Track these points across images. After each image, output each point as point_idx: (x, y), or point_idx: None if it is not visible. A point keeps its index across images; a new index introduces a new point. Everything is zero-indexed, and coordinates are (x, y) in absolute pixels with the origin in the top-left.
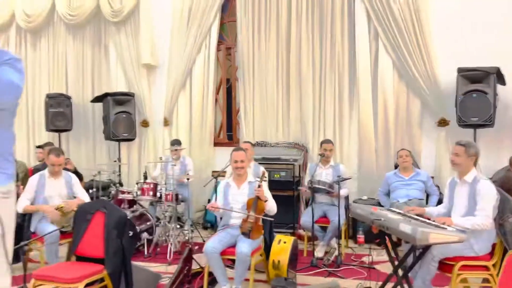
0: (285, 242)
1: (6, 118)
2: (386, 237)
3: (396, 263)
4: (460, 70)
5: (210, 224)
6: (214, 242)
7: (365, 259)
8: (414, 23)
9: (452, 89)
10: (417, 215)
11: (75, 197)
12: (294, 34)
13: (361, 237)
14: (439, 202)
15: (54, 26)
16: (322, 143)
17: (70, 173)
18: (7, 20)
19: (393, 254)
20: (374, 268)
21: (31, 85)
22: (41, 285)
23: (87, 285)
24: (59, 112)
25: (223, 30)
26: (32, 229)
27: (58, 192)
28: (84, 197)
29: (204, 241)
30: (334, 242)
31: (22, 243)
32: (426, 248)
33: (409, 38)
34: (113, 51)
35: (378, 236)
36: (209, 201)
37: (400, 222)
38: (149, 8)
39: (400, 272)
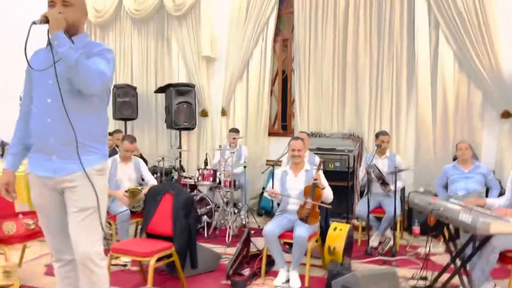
0: (340, 230)
1: (98, 103)
2: (444, 228)
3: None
4: None
5: (265, 210)
6: (272, 226)
7: (420, 250)
8: (478, 13)
9: None
10: (477, 206)
11: (143, 180)
12: (352, 24)
13: (416, 228)
14: (500, 196)
15: (121, 21)
16: (378, 134)
17: (138, 158)
18: None
19: (452, 247)
20: (429, 260)
21: None
22: (117, 257)
23: (158, 259)
24: (125, 101)
25: (280, 22)
26: None
27: (128, 176)
28: (152, 181)
29: (259, 226)
30: (388, 233)
31: None
32: (486, 238)
33: (472, 28)
34: (175, 44)
35: (435, 228)
36: (263, 189)
37: (460, 212)
38: (209, 2)
39: (458, 262)
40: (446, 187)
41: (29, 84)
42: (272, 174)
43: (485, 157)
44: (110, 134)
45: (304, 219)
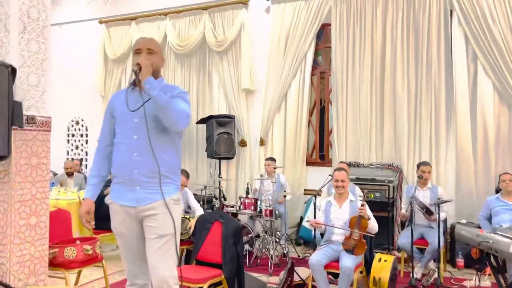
0: (385, 261)
1: (176, 139)
2: (492, 261)
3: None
4: None
5: (303, 240)
6: (318, 255)
7: (465, 283)
8: None
9: None
10: None
11: (189, 208)
12: (389, 58)
13: (460, 261)
14: None
15: (165, 56)
16: (419, 165)
17: (186, 188)
18: (127, 51)
19: (501, 280)
20: None
21: None
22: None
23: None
24: None
25: (318, 56)
26: None
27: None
28: (199, 209)
29: (299, 255)
30: (431, 265)
31: None
32: None
33: (511, 60)
34: (215, 77)
35: (479, 261)
36: (301, 218)
37: (511, 244)
38: (249, 38)
39: None
40: (489, 219)
41: (110, 122)
42: (313, 204)
43: None
44: None
45: (350, 250)
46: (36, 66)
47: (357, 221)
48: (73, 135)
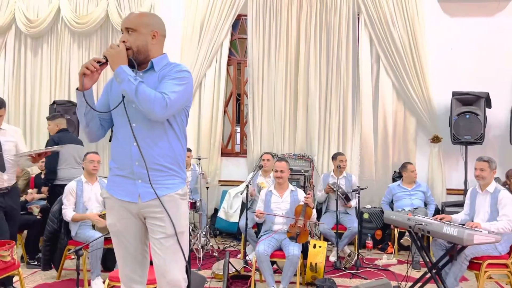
0: (320, 246)
1: (177, 127)
2: (390, 243)
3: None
4: (454, 94)
5: (219, 231)
6: (264, 246)
7: (377, 262)
8: (412, 49)
9: (445, 109)
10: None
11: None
12: (303, 53)
13: (369, 242)
14: (436, 211)
15: (58, 33)
16: (337, 155)
17: (103, 178)
18: (7, 23)
19: (426, 258)
20: (389, 270)
21: (31, 91)
22: (114, 286)
23: None
24: (66, 119)
25: (234, 46)
26: (72, 234)
27: (95, 197)
28: None
29: (219, 247)
30: (346, 248)
31: (76, 248)
32: (462, 248)
33: (408, 62)
34: None
35: (381, 242)
36: (215, 209)
37: (443, 226)
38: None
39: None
40: (389, 204)
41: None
42: (245, 195)
43: (418, 176)
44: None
45: (294, 238)
46: None
47: (303, 209)
48: None
